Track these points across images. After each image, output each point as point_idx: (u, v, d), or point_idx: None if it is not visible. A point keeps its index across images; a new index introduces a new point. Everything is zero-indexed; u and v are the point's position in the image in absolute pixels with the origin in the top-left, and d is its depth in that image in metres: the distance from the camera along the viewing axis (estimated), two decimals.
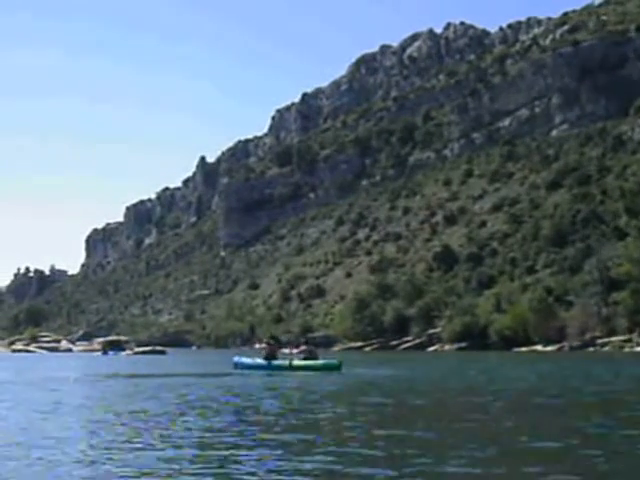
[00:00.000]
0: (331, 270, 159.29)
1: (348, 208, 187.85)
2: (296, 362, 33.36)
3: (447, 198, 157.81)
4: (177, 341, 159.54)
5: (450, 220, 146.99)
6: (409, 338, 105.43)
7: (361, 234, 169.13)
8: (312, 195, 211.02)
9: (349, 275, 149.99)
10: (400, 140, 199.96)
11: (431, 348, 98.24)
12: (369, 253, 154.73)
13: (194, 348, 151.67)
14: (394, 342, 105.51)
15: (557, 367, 40.84)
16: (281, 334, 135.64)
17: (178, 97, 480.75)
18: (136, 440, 10.63)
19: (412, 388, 22.36)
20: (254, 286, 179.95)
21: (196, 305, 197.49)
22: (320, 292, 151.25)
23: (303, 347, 35.63)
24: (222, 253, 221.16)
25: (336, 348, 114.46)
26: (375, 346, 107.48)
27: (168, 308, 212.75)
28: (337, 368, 32.59)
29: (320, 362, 33.96)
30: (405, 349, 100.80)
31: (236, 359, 37.98)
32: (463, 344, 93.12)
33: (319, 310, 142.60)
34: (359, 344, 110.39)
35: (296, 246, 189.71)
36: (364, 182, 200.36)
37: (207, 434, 11.33)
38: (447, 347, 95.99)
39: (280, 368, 33.38)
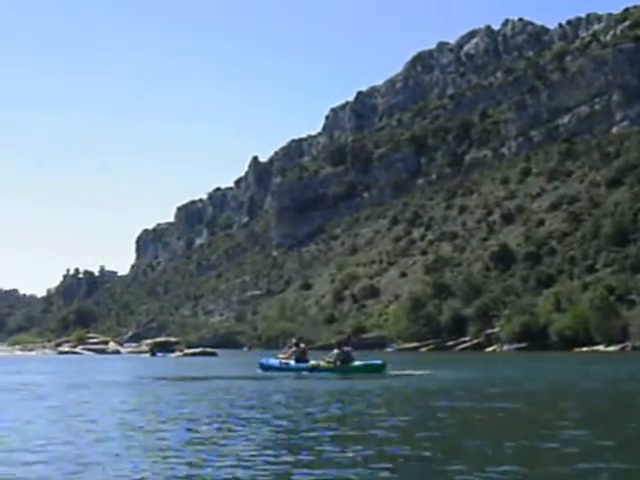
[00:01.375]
0: (385, 270, 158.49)
1: (403, 207, 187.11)
2: (327, 364, 33.25)
3: (504, 196, 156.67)
4: (228, 342, 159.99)
5: (507, 219, 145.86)
6: (466, 338, 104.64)
7: (416, 233, 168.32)
8: (366, 194, 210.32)
9: (404, 275, 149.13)
10: (456, 138, 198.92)
11: (489, 349, 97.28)
12: (424, 253, 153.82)
13: (245, 349, 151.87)
14: (450, 343, 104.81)
15: (633, 368, 40.13)
16: (334, 335, 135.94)
17: (231, 97, 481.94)
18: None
19: (512, 392, 21.91)
20: (306, 286, 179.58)
21: (247, 306, 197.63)
22: (374, 292, 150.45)
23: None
24: (274, 253, 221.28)
25: (389, 349, 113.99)
26: (431, 347, 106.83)
27: (219, 309, 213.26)
28: (381, 369, 32.30)
29: (362, 363, 33.73)
30: (462, 350, 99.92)
31: (263, 360, 37.67)
32: (522, 344, 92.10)
33: (373, 310, 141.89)
34: (414, 345, 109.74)
35: (350, 246, 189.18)
36: (420, 181, 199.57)
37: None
38: (506, 347, 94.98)
39: (313, 370, 33.26)
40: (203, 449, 10.60)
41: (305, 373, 32.54)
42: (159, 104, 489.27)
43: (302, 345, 36.44)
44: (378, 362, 33.65)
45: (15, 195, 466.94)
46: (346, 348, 34.29)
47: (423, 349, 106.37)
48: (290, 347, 37.61)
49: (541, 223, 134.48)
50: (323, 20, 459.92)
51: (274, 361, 36.42)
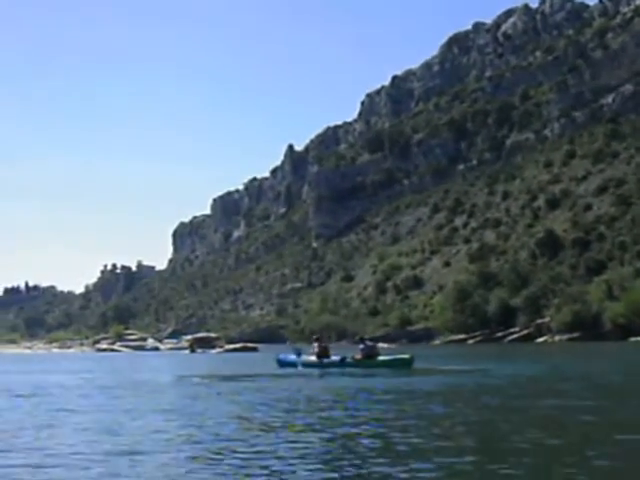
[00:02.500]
0: (428, 259, 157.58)
1: (444, 194, 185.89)
2: (358, 359, 32.67)
3: (549, 181, 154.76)
4: (270, 337, 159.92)
5: (553, 204, 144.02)
6: (515, 329, 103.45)
7: (458, 221, 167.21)
8: (406, 181, 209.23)
9: (447, 264, 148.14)
10: (497, 121, 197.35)
11: (540, 339, 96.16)
12: (468, 241, 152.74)
13: (288, 343, 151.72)
14: (499, 334, 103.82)
15: None
16: (378, 328, 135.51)
17: (264, 86, 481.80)
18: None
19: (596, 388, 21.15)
20: (348, 278, 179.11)
21: (288, 299, 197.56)
22: (417, 283, 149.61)
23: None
24: (314, 244, 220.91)
25: (437, 341, 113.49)
26: (478, 338, 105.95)
27: (259, 303, 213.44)
28: (408, 364, 31.56)
29: (389, 358, 33.34)
30: (511, 341, 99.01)
31: (281, 357, 37.21)
32: (574, 334, 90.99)
33: (417, 302, 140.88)
34: (461, 336, 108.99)
35: (391, 235, 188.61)
36: (460, 166, 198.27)
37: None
38: (557, 338, 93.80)
39: (339, 365, 32.81)
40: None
41: (331, 369, 32.00)
42: (193, 94, 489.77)
43: (323, 343, 35.81)
44: (405, 356, 32.88)
45: (51, 191, 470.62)
46: (370, 343, 34.01)
47: (471, 341, 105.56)
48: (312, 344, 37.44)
49: (588, 208, 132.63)
50: (356, 3, 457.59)
51: (293, 357, 36.03)
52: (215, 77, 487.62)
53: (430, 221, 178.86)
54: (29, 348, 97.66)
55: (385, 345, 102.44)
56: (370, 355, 32.50)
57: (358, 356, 32.76)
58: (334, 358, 34.00)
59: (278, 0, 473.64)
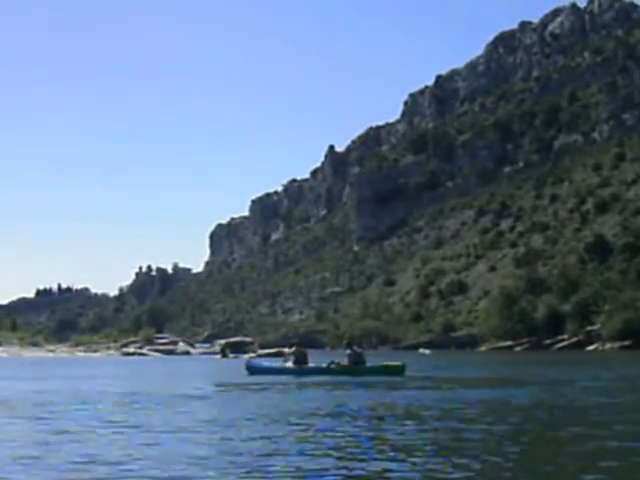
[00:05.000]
0: (473, 264, 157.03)
1: (489, 197, 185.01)
2: (343, 365, 31.59)
3: (598, 184, 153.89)
4: (308, 342, 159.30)
5: (602, 208, 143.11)
6: (564, 336, 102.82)
7: (504, 225, 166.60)
8: (450, 184, 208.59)
9: (493, 269, 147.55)
10: (544, 123, 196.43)
11: (590, 347, 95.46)
12: (514, 245, 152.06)
13: (327, 349, 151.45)
14: (547, 341, 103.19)
15: None
16: (421, 334, 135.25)
17: (305, 85, 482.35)
18: None
19: None
20: (390, 282, 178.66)
21: (328, 303, 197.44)
22: (462, 288, 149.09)
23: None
24: (355, 247, 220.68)
25: (482, 348, 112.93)
26: (525, 345, 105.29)
27: (298, 307, 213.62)
28: (399, 372, 30.55)
29: (380, 365, 32.59)
30: (560, 349, 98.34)
31: (254, 362, 36.29)
32: (626, 342, 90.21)
33: (461, 307, 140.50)
34: (508, 343, 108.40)
35: (434, 239, 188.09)
36: (506, 169, 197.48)
37: None
38: (608, 346, 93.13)
39: (318, 373, 31.39)
40: None
41: (310, 377, 29.96)
42: (232, 93, 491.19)
43: (300, 346, 34.72)
44: (396, 363, 31.97)
45: (85, 193, 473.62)
46: (358, 349, 32.91)
47: (517, 348, 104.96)
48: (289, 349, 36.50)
49: (638, 212, 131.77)
50: (399, 2, 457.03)
51: (266, 363, 35.33)
52: (254, 77, 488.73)
53: (475, 225, 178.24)
54: (52, 352, 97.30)
55: (427, 351, 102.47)
56: (357, 362, 31.54)
57: (344, 362, 31.82)
58: (312, 365, 33.02)
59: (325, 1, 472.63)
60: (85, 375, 37.52)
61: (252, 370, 33.64)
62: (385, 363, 33.16)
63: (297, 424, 14.03)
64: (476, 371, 39.11)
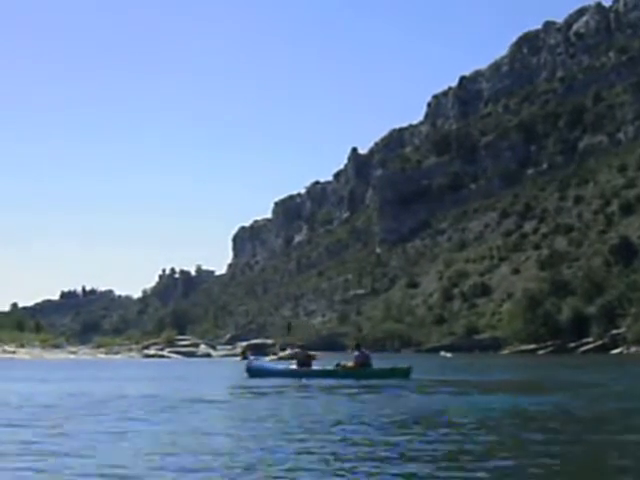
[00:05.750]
0: (496, 266, 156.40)
1: (513, 199, 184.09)
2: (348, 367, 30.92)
3: (623, 185, 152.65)
4: (331, 344, 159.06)
5: (627, 209, 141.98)
6: (589, 340, 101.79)
7: (528, 227, 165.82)
8: (473, 185, 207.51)
9: (516, 271, 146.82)
10: (568, 124, 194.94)
11: (615, 350, 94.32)
12: (538, 247, 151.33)
13: (349, 351, 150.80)
14: (571, 344, 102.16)
15: None
16: (444, 336, 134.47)
17: (328, 87, 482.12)
18: None
19: None
20: (413, 284, 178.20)
21: (351, 306, 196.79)
22: (485, 290, 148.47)
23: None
24: (378, 250, 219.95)
25: (505, 351, 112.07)
26: (550, 349, 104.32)
27: (321, 309, 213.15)
28: (405, 374, 30.03)
29: (387, 367, 32.10)
30: (584, 352, 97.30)
31: (255, 364, 35.07)
32: None
33: (485, 310, 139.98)
34: (531, 347, 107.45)
35: (458, 241, 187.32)
36: (530, 170, 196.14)
37: None
38: (633, 349, 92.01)
39: (321, 375, 30.71)
40: None
41: (317, 380, 29.05)
42: (254, 99, 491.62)
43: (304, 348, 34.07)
44: (403, 366, 31.36)
45: (109, 195, 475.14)
46: (365, 351, 32.44)
47: (541, 351, 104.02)
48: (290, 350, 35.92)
49: None
50: (422, 3, 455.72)
51: (268, 365, 34.61)
52: (278, 80, 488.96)
53: (499, 227, 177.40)
54: (74, 353, 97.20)
55: (448, 354, 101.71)
56: (363, 364, 30.99)
57: (350, 364, 31.31)
58: (316, 368, 32.49)
59: (346, 2, 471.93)
60: (108, 377, 37.01)
61: (253, 372, 32.77)
62: (393, 366, 32.51)
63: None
64: (491, 374, 38.08)
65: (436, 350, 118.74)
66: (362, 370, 30.47)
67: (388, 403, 19.66)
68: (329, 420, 14.81)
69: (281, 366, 32.91)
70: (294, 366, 32.26)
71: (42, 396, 22.18)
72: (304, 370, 31.56)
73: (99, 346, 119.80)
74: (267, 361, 34.21)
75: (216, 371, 47.70)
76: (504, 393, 22.88)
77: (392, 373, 30.62)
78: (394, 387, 24.90)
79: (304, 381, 28.63)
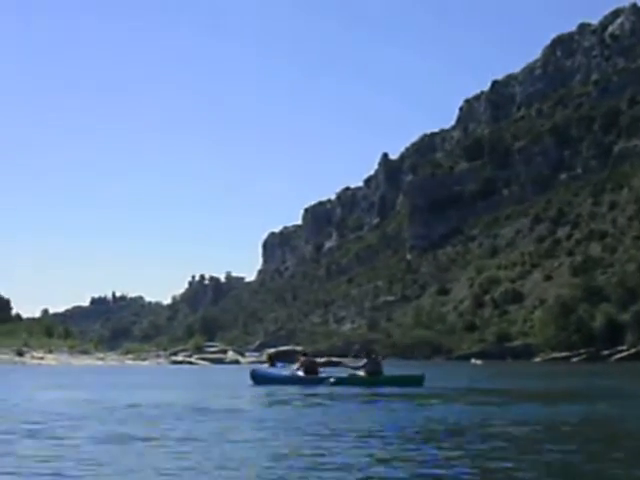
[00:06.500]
0: (529, 273, 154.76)
1: (546, 204, 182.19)
2: (360, 375, 29.90)
3: None
4: (361, 351, 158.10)
5: None
6: (623, 347, 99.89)
7: (561, 233, 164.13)
8: (506, 191, 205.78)
9: (549, 278, 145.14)
10: (603, 128, 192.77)
11: None
12: (571, 253, 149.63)
13: (379, 358, 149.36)
14: (605, 352, 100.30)
15: None
16: (474, 343, 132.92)
17: (358, 93, 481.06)
18: None
19: None
20: (444, 291, 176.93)
21: (381, 312, 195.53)
22: (517, 297, 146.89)
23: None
24: (408, 256, 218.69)
25: (537, 359, 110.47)
26: (583, 356, 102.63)
27: (351, 316, 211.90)
28: (418, 382, 28.83)
29: (398, 375, 31.45)
30: (618, 360, 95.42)
31: (260, 371, 34.29)
32: None
33: (516, 317, 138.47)
34: (564, 354, 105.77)
35: (489, 247, 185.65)
36: (563, 175, 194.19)
37: None
38: None
39: (341, 382, 29.39)
40: None
41: (322, 388, 27.79)
42: (284, 106, 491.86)
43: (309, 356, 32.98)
44: (416, 374, 30.22)
45: (140, 202, 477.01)
46: (377, 358, 31.31)
47: (574, 359, 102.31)
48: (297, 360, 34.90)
49: None
50: (454, 6, 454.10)
51: (273, 371, 33.45)
52: (309, 85, 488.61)
53: (531, 233, 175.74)
54: (101, 359, 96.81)
55: (478, 362, 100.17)
56: (374, 372, 29.88)
57: (361, 373, 30.27)
58: (323, 375, 31.33)
59: (376, 7, 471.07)
60: (139, 384, 36.06)
61: (257, 379, 31.78)
62: (405, 374, 31.91)
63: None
64: (520, 382, 36.62)
65: (467, 357, 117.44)
66: (372, 378, 29.45)
67: (399, 413, 18.19)
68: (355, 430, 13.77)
69: (287, 373, 31.56)
70: (300, 373, 31.08)
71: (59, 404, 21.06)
72: (311, 377, 30.49)
73: (127, 352, 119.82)
74: (294, 368, 33.46)
75: (241, 378, 46.65)
76: (539, 402, 21.84)
77: (404, 381, 29.59)
78: (405, 395, 23.66)
79: (310, 389, 27.33)
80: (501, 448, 11.21)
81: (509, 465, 9.61)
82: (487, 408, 19.19)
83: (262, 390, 27.72)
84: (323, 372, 32.87)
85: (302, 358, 32.53)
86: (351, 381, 29.57)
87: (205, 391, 29.68)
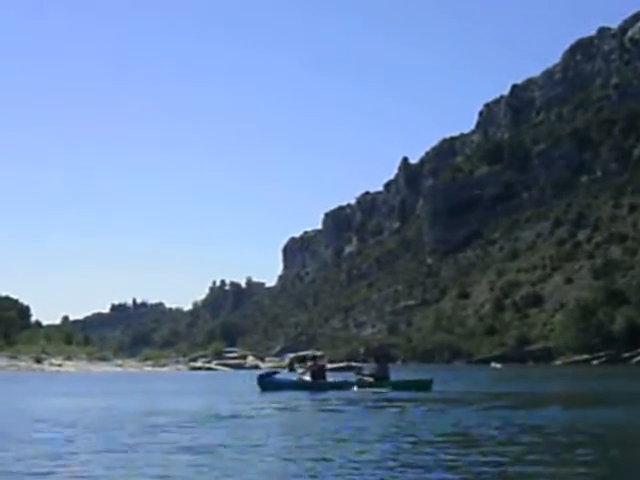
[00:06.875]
0: (549, 276, 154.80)
1: (566, 208, 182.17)
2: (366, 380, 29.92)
3: None
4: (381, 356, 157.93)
5: None
6: None
7: (581, 236, 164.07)
8: (526, 194, 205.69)
9: (569, 281, 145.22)
10: (623, 131, 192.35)
11: None
12: (591, 256, 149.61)
13: (399, 363, 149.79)
14: (626, 354, 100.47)
15: None
16: (494, 347, 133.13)
17: (378, 97, 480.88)
18: None
19: None
20: (464, 295, 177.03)
21: (401, 317, 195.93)
22: (537, 300, 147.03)
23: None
24: (428, 260, 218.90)
25: (558, 362, 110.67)
26: (603, 359, 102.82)
27: (371, 320, 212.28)
28: (426, 387, 29.25)
29: (407, 379, 31.52)
30: (639, 362, 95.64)
31: (269, 377, 33.38)
32: None
33: (537, 320, 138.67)
34: (585, 357, 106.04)
35: (509, 250, 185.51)
36: (583, 178, 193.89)
37: None
38: None
39: (337, 387, 29.80)
40: None
41: (330, 394, 27.65)
42: (303, 110, 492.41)
43: (317, 360, 32.72)
44: (425, 378, 30.89)
45: (159, 207, 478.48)
46: (385, 364, 31.71)
47: (595, 362, 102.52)
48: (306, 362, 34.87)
49: None
50: (473, 10, 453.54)
51: (280, 377, 33.71)
52: (328, 89, 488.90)
53: (551, 236, 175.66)
54: (120, 366, 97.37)
55: (498, 365, 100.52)
56: (380, 377, 30.12)
57: (368, 378, 30.41)
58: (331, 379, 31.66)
59: (394, 9, 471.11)
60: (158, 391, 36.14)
61: (265, 386, 31.39)
62: (414, 378, 32.27)
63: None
64: (543, 386, 36.73)
65: (487, 361, 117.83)
66: (380, 383, 29.57)
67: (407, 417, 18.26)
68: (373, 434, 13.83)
69: (294, 378, 31.75)
70: (307, 378, 31.13)
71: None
72: (318, 383, 30.59)
73: (146, 359, 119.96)
74: (300, 373, 33.30)
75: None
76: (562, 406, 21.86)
77: (412, 385, 29.80)
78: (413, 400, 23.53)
79: (318, 395, 27.41)
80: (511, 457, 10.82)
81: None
82: (495, 412, 19.15)
83: (271, 397, 27.08)
84: (330, 377, 32.94)
85: (309, 363, 32.59)
86: (358, 386, 29.68)
87: (208, 398, 29.36)
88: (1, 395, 32.35)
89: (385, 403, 22.62)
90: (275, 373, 34.94)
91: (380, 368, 30.78)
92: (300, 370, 33.80)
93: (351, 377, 31.82)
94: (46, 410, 21.53)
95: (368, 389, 28.56)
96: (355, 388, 29.28)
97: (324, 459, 10.69)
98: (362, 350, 38.02)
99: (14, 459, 11.12)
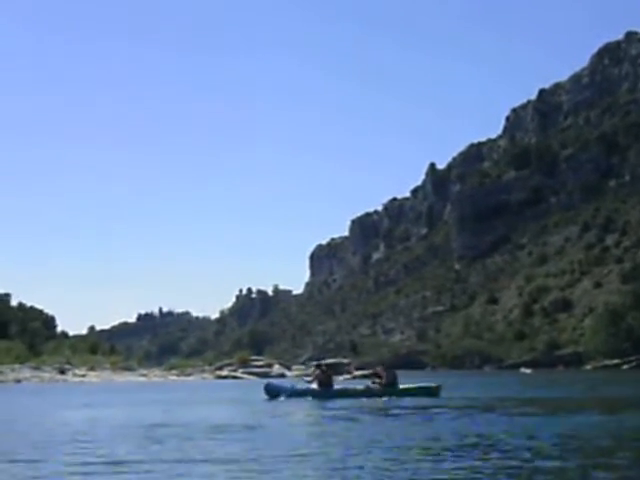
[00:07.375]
0: (578, 280, 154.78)
1: (594, 212, 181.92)
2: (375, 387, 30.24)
3: None
4: (410, 362, 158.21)
5: None
6: None
7: (610, 240, 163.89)
8: (554, 199, 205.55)
9: (598, 285, 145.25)
10: None
11: None
12: (620, 260, 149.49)
13: (429, 369, 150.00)
14: None
15: None
16: (524, 352, 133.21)
17: (404, 103, 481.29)
18: None
19: None
20: (493, 300, 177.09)
21: (430, 323, 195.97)
22: (566, 305, 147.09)
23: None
24: (456, 266, 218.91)
25: (588, 366, 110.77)
26: (633, 363, 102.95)
27: (399, 327, 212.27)
28: (434, 393, 29.59)
29: (414, 386, 31.35)
30: None
31: (274, 384, 33.83)
32: None
33: (566, 325, 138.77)
34: (615, 362, 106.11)
35: (538, 255, 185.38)
36: (611, 183, 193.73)
37: None
38: None
39: (344, 395, 30.02)
40: None
41: (339, 401, 27.60)
42: (329, 117, 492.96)
43: (324, 368, 32.63)
44: (432, 385, 31.07)
45: (185, 217, 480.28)
46: (392, 371, 31.75)
47: (625, 366, 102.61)
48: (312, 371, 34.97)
49: None
50: (499, 15, 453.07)
51: (287, 384, 33.84)
52: (355, 97, 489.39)
53: (580, 240, 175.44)
54: (144, 376, 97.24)
55: (528, 371, 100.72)
56: (389, 384, 30.31)
57: (375, 385, 30.70)
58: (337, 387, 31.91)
59: (422, 17, 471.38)
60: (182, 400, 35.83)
61: (272, 393, 31.26)
62: (421, 385, 32.02)
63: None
64: (576, 391, 36.52)
65: (517, 367, 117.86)
66: (388, 390, 29.89)
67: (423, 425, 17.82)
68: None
69: (302, 386, 31.54)
70: (315, 386, 31.17)
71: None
72: (325, 390, 30.62)
73: (171, 368, 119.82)
74: (341, 380, 33.27)
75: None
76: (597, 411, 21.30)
77: (420, 392, 30.04)
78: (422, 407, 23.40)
79: (326, 402, 27.57)
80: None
81: None
82: (501, 418, 18.82)
83: (275, 405, 27.41)
84: (337, 384, 33.23)
85: (316, 371, 32.79)
86: (367, 393, 30.06)
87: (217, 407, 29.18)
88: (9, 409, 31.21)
89: (394, 410, 22.67)
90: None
91: (393, 375, 31.04)
92: (307, 378, 34.14)
93: (358, 384, 32.27)
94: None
95: (377, 398, 28.80)
96: (364, 399, 28.91)
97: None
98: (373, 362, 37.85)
99: None
